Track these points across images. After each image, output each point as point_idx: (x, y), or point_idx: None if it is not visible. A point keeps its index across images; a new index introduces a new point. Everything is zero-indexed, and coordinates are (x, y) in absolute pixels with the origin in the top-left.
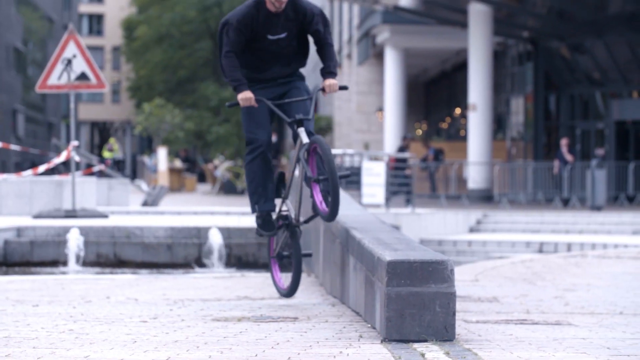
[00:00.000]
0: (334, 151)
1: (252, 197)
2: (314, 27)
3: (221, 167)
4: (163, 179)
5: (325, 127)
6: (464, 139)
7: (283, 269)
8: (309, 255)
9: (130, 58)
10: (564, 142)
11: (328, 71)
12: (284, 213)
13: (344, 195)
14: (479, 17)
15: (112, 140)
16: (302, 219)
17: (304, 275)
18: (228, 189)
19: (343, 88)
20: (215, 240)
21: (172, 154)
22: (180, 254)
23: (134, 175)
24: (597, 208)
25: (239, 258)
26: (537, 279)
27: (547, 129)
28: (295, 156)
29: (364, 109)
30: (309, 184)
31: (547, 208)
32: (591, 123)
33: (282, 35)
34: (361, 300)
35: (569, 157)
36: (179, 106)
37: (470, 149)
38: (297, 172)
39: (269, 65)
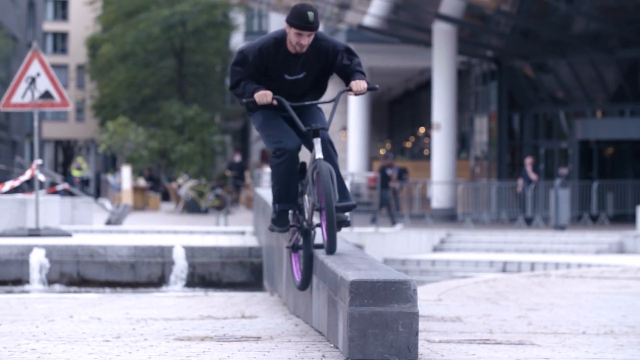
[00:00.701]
0: None
1: (274, 196)
2: (340, 63)
3: (185, 186)
4: (127, 197)
5: None
6: (428, 158)
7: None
8: (321, 247)
9: (94, 76)
10: (528, 161)
11: (355, 71)
12: (298, 217)
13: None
14: (443, 37)
15: (80, 159)
16: (315, 221)
17: (266, 295)
18: (192, 207)
19: (372, 89)
20: (179, 259)
21: (136, 173)
22: (143, 273)
23: (97, 194)
24: (560, 227)
25: (203, 277)
26: (500, 299)
27: (511, 148)
28: (310, 161)
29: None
30: (315, 211)
31: (510, 227)
32: (555, 142)
33: (301, 76)
34: (324, 320)
35: (533, 176)
36: (143, 125)
37: (434, 168)
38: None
39: (285, 96)
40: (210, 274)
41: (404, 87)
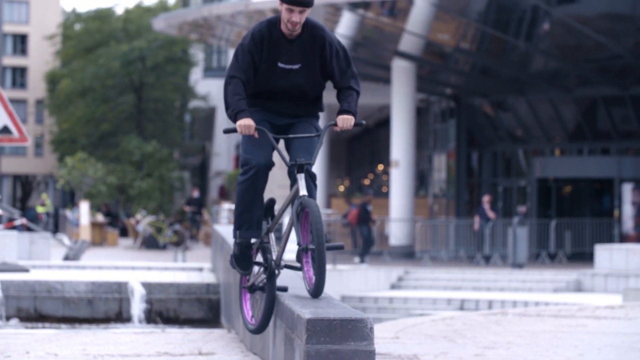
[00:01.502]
0: None
1: (236, 221)
2: (331, 61)
3: (143, 221)
4: (85, 233)
5: None
6: (386, 195)
7: (254, 302)
8: (284, 289)
9: (53, 111)
10: (485, 199)
11: (342, 108)
12: (261, 257)
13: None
14: (402, 74)
15: (45, 196)
16: (283, 263)
17: (224, 332)
18: (150, 243)
19: (359, 125)
20: (136, 295)
21: (94, 208)
22: (101, 308)
23: (56, 229)
24: (518, 266)
25: (160, 313)
26: (457, 337)
27: (470, 185)
28: (289, 197)
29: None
30: (300, 252)
31: (468, 265)
32: (513, 180)
33: (295, 67)
34: (281, 358)
35: (491, 214)
36: (102, 160)
37: (392, 205)
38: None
39: (278, 100)
40: (168, 310)
41: None
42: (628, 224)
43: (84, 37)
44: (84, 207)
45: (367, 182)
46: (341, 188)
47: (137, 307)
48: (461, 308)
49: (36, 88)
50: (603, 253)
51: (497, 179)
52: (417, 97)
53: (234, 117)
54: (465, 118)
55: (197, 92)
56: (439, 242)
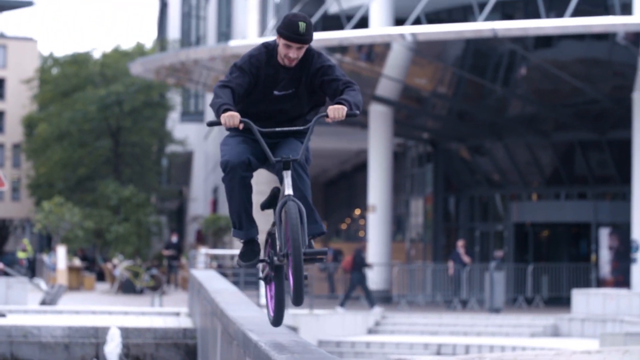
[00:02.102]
0: (232, 251)
1: (232, 217)
2: (326, 77)
3: (120, 266)
4: (62, 277)
5: (224, 227)
6: (364, 239)
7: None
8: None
9: (30, 155)
10: (460, 244)
11: (336, 101)
12: (268, 249)
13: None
14: (379, 118)
15: (26, 241)
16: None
17: None
18: (127, 288)
19: (352, 115)
20: (113, 340)
21: (71, 253)
22: (77, 353)
23: (32, 274)
24: (495, 310)
25: (137, 358)
26: None
27: (447, 230)
28: (280, 196)
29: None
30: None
31: (445, 310)
32: (490, 225)
33: (289, 92)
34: None
35: (466, 258)
36: (79, 204)
37: (369, 250)
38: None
39: (267, 121)
40: (145, 355)
41: (340, 168)
42: (605, 268)
43: (61, 81)
44: (61, 251)
45: (344, 226)
46: None
47: (114, 352)
48: (438, 353)
49: (13, 132)
50: (580, 298)
51: (475, 223)
52: (395, 141)
53: (218, 112)
54: (443, 162)
55: (174, 136)
56: (416, 287)
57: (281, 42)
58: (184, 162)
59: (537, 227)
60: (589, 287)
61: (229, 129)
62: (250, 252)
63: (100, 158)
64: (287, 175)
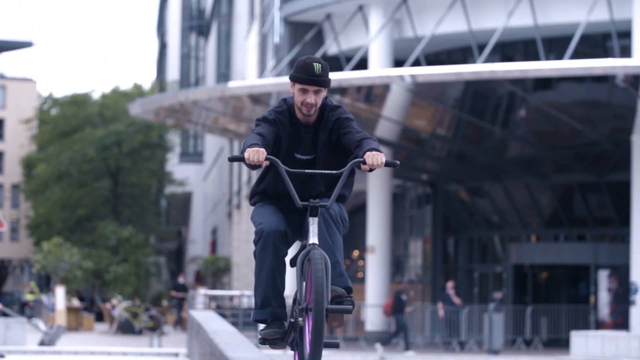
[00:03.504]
0: (231, 292)
1: (255, 295)
2: (342, 131)
3: (119, 306)
4: (61, 318)
5: (223, 268)
6: (362, 280)
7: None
8: (335, 345)
9: (29, 196)
10: (450, 285)
11: (368, 147)
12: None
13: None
14: None
15: (33, 284)
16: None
17: None
18: (125, 328)
19: (392, 165)
20: None
21: (70, 293)
22: None
23: (31, 314)
24: (494, 352)
25: None
26: None
27: (445, 271)
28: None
29: None
30: (301, 312)
31: (444, 351)
32: (489, 266)
33: (310, 157)
34: None
35: (456, 299)
36: (78, 245)
37: (368, 291)
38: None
39: (299, 192)
40: None
41: None
42: (604, 310)
43: (60, 122)
44: (60, 292)
45: None
46: None
47: None
48: None
49: (12, 172)
50: (579, 340)
51: (473, 264)
52: (393, 182)
53: (244, 148)
54: (441, 204)
55: (173, 177)
56: (414, 328)
57: (296, 88)
58: (183, 202)
59: (535, 268)
60: (588, 329)
61: (256, 197)
62: (275, 331)
63: (99, 198)
64: (314, 222)
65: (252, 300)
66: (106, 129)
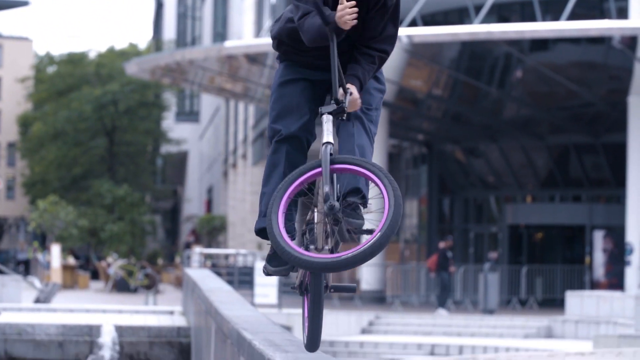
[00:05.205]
0: (227, 251)
1: (260, 204)
2: (377, 12)
3: (114, 265)
4: (56, 276)
5: (218, 227)
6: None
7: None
8: (352, 289)
9: (25, 154)
10: (441, 245)
11: (350, 74)
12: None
13: (235, 297)
14: None
15: (36, 244)
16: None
17: None
18: (121, 286)
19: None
20: (107, 338)
21: (65, 251)
22: (71, 351)
23: (27, 272)
24: (489, 311)
25: (131, 356)
26: None
27: (441, 231)
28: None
29: (257, 209)
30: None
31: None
32: (485, 226)
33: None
34: None
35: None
36: (74, 203)
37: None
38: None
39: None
40: (139, 353)
41: None
42: (599, 271)
43: (57, 81)
44: (56, 250)
45: None
46: None
47: (108, 350)
48: (432, 353)
49: (8, 131)
50: (574, 300)
51: (469, 225)
52: (390, 142)
53: (323, 17)
54: (437, 164)
55: (169, 136)
56: (410, 287)
57: None
58: (179, 161)
59: (531, 229)
60: (583, 289)
61: (283, 59)
62: (281, 269)
63: (95, 157)
64: (327, 120)
65: (248, 258)
66: (102, 88)
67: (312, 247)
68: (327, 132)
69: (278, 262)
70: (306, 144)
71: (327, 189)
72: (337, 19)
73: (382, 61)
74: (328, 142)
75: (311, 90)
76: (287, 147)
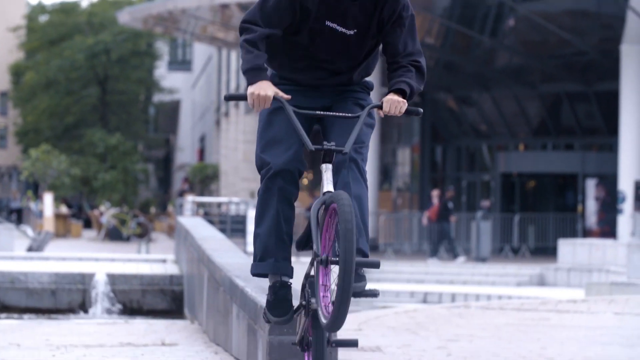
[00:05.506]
0: (219, 199)
1: (255, 245)
2: (394, 31)
3: (107, 213)
4: (49, 224)
5: (211, 175)
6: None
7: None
8: (353, 343)
9: (17, 103)
10: (434, 194)
11: (396, 87)
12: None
13: (227, 245)
14: None
15: (30, 193)
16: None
17: (187, 323)
18: (113, 235)
19: (414, 113)
20: (100, 286)
21: (58, 200)
22: (64, 299)
23: (19, 221)
24: (481, 259)
25: (123, 304)
26: (420, 329)
27: (433, 180)
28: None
29: (250, 157)
30: (316, 264)
31: (432, 258)
32: (477, 175)
33: (350, 32)
34: (244, 348)
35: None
36: (66, 152)
37: None
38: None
39: (315, 67)
40: (131, 301)
41: None
42: (591, 219)
43: (49, 30)
44: (48, 198)
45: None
46: (304, 181)
47: (101, 298)
48: (424, 301)
49: (0, 80)
50: (566, 248)
51: (461, 173)
52: (382, 91)
53: (247, 77)
54: (430, 113)
55: (161, 85)
56: (402, 236)
57: None
58: (171, 110)
59: (523, 177)
60: (576, 238)
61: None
62: (282, 301)
63: (87, 106)
64: (327, 171)
65: (240, 206)
66: (95, 38)
67: (312, 300)
68: (327, 181)
69: (279, 311)
70: (297, 175)
71: (315, 247)
72: (249, 92)
73: (418, 69)
74: (329, 191)
75: (301, 118)
76: (279, 183)
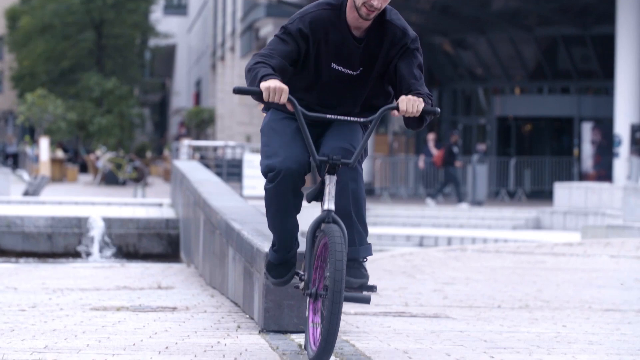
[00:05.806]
0: (215, 143)
1: (270, 229)
2: (401, 64)
3: (103, 158)
4: (45, 169)
5: (207, 119)
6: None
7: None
8: (366, 300)
9: (13, 48)
10: (430, 137)
11: (408, 89)
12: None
13: (224, 188)
14: None
15: (27, 138)
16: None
17: (183, 266)
18: (109, 179)
19: (432, 112)
20: (96, 230)
21: (54, 145)
22: (60, 243)
23: (15, 165)
24: (477, 203)
25: (120, 248)
26: (416, 272)
27: (429, 123)
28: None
29: (246, 101)
30: (307, 297)
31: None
32: (473, 118)
33: (355, 73)
34: (240, 291)
35: (435, 152)
36: (62, 96)
37: None
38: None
39: (321, 105)
40: (127, 245)
41: None
42: (587, 162)
43: None
44: (44, 143)
45: None
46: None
47: (97, 242)
48: (420, 244)
49: None
50: (562, 191)
51: (457, 116)
52: None
53: (256, 81)
54: (425, 56)
55: (157, 30)
56: (398, 179)
57: None
58: (167, 55)
59: (519, 120)
60: (571, 181)
61: (269, 108)
62: (284, 265)
63: (83, 51)
64: (331, 182)
65: (236, 150)
66: None
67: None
68: (329, 197)
69: (278, 272)
70: (303, 174)
71: (306, 277)
72: (263, 87)
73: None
74: (329, 211)
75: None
76: (285, 186)
